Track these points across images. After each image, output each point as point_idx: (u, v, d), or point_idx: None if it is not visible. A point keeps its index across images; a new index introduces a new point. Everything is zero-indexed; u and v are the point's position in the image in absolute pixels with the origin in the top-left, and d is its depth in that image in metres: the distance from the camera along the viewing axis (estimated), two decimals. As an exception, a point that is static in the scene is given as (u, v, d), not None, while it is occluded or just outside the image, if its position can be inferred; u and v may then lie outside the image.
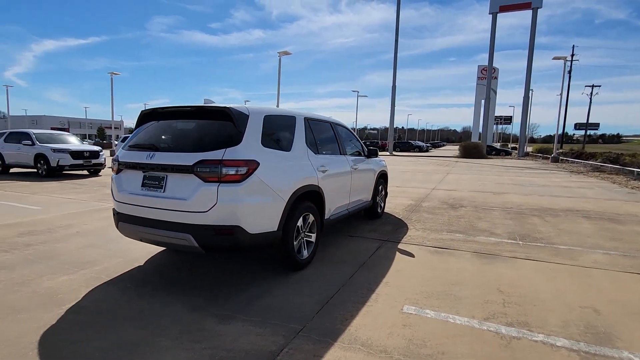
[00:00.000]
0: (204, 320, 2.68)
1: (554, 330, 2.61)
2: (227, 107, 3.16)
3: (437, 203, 7.92)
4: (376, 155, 5.79)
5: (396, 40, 36.91)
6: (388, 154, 37.82)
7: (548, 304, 3.03)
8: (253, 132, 3.21)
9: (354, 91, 40.54)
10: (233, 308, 2.88)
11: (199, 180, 2.96)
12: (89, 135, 72.73)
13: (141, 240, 3.39)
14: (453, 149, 41.87)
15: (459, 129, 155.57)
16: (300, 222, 3.64)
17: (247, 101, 55.92)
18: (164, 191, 3.12)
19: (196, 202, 2.94)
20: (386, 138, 39.82)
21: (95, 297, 3.06)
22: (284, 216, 3.34)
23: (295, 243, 3.58)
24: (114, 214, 3.55)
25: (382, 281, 3.48)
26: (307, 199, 3.82)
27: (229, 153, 2.98)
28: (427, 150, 50.44)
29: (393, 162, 23.46)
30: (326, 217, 4.23)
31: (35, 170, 12.41)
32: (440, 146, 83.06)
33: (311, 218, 3.85)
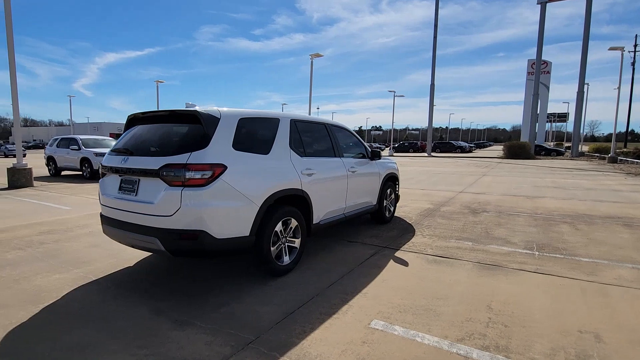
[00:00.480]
0: (161, 325, 2.67)
1: (535, 358, 2.27)
2: (196, 111, 3.15)
3: (458, 207, 7.44)
4: (379, 157, 5.53)
5: (435, 38, 35.61)
6: (426, 155, 36.55)
7: (541, 326, 2.66)
8: (223, 135, 3.16)
9: (390, 91, 39.74)
10: (195, 314, 2.85)
11: (164, 184, 2.96)
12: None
13: (121, 243, 3.47)
14: (499, 150, 39.42)
15: (508, 128, 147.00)
16: (279, 227, 3.54)
17: (284, 104, 56.83)
18: (136, 195, 3.17)
19: (162, 206, 2.95)
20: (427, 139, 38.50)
21: (73, 296, 3.18)
22: (256, 221, 3.26)
23: (273, 249, 3.48)
24: (100, 217, 3.68)
25: (361, 292, 3.28)
26: (289, 203, 3.71)
27: (194, 157, 2.96)
28: (470, 151, 48.08)
29: (427, 164, 22.60)
30: (315, 221, 4.09)
31: (81, 172, 13.49)
32: (486, 146, 78.84)
33: (294, 223, 3.73)
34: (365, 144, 5.57)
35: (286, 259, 3.68)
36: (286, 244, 3.70)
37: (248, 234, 3.21)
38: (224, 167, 3.03)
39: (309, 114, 24.92)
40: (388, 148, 42.16)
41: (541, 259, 4.17)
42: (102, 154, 13.05)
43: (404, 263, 4.07)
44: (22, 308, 2.92)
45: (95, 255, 4.28)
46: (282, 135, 3.79)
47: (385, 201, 5.90)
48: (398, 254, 4.40)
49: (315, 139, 4.46)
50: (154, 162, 3.03)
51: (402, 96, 40.54)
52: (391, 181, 6.17)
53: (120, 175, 3.35)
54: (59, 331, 2.58)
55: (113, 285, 3.42)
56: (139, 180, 3.16)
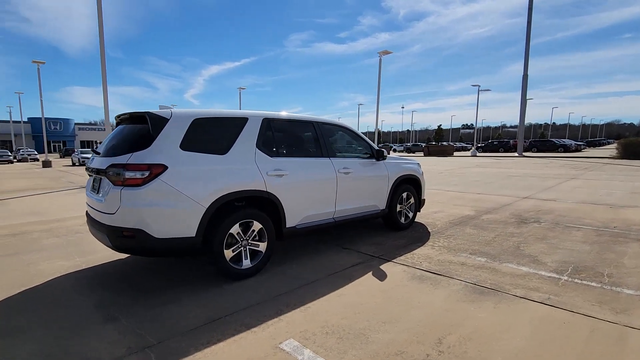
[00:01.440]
0: (92, 318, 2.78)
1: (443, 417, 1.75)
2: (146, 112, 3.22)
3: (505, 216, 6.37)
4: (383, 157, 5.01)
5: (529, 23, 31.45)
6: (516, 155, 32.53)
7: (488, 376, 2.06)
8: (169, 136, 3.17)
9: (473, 85, 36.15)
10: (130, 311, 2.91)
11: (110, 183, 3.10)
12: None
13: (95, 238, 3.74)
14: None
15: (636, 122, 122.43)
16: (236, 230, 3.43)
17: (361, 104, 56.34)
18: (97, 193, 3.39)
19: (107, 204, 3.09)
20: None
21: (54, 282, 3.53)
22: (203, 222, 3.20)
23: (228, 251, 3.39)
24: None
25: (304, 305, 2.97)
26: (250, 204, 3.58)
27: (135, 157, 3.03)
28: (577, 150, 41.20)
29: (510, 165, 20.08)
30: (289, 225, 3.87)
31: None
32: (602, 144, 66.88)
33: (257, 225, 3.58)
34: (373, 144, 5.10)
35: (246, 263, 3.55)
36: (248, 247, 3.57)
37: (194, 235, 3.17)
38: (164, 167, 3.05)
39: (377, 113, 24.24)
40: (473, 147, 38.56)
41: (565, 287, 3.28)
42: None
43: (382, 277, 3.59)
44: (5, 290, 3.35)
45: (101, 247, 4.72)
46: (248, 135, 3.67)
47: (399, 206, 5.34)
48: (385, 266, 3.91)
49: (296, 138, 4.23)
50: (105, 162, 3.19)
51: (488, 90, 36.59)
52: (409, 184, 5.56)
53: (90, 175, 3.63)
54: (3, 315, 2.88)
55: (89, 277, 3.71)
56: (101, 179, 3.37)
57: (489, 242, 4.73)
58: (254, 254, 3.63)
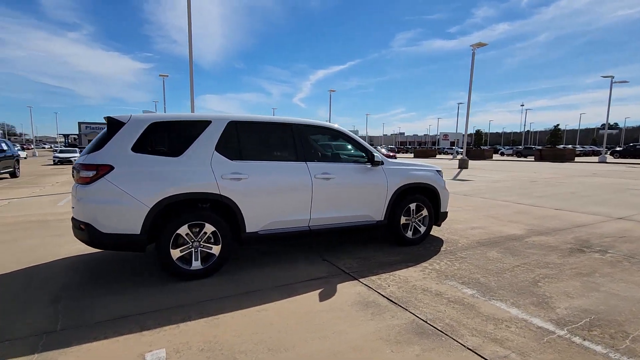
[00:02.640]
0: (40, 301, 3.15)
1: None
2: (107, 117, 3.50)
3: (561, 240, 5.07)
4: (381, 162, 4.45)
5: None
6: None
7: None
8: (123, 139, 3.39)
9: (604, 77, 29.39)
10: (73, 296, 3.20)
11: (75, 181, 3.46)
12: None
13: None
14: None
15: None
16: (185, 231, 3.48)
17: (460, 103, 51.78)
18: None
19: (72, 199, 3.46)
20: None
21: (52, 264, 4.11)
22: (147, 221, 3.33)
23: (175, 251, 3.46)
24: None
25: (215, 315, 2.83)
26: (199, 207, 3.59)
27: (89, 158, 3.32)
28: None
29: (635, 175, 16.01)
30: (249, 230, 3.76)
31: None
32: None
33: (209, 228, 3.57)
34: (370, 148, 4.60)
35: (196, 264, 3.57)
36: (199, 249, 3.59)
37: (139, 233, 3.33)
38: (110, 168, 3.27)
39: (467, 113, 21.96)
40: (606, 152, 31.57)
41: (548, 346, 2.42)
42: None
43: (327, 296, 3.20)
44: (5, 267, 4.01)
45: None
46: (207, 138, 3.68)
47: (404, 218, 4.70)
48: (346, 284, 3.48)
49: (266, 142, 4.08)
50: (76, 161, 3.58)
51: (625, 82, 29.43)
52: (421, 193, 4.86)
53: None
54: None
55: (87, 260, 4.22)
56: None
57: (501, 272, 3.82)
58: (206, 256, 3.63)
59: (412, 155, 51.08)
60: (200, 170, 3.56)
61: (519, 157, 45.83)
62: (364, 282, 3.53)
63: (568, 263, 4.10)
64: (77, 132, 75.15)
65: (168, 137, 3.62)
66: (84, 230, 3.31)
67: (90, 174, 3.25)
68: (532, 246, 4.78)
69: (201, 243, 3.59)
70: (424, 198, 4.83)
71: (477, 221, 6.35)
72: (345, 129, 4.61)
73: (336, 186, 4.20)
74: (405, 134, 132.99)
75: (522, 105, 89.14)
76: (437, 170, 5.07)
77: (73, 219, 3.48)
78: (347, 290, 3.35)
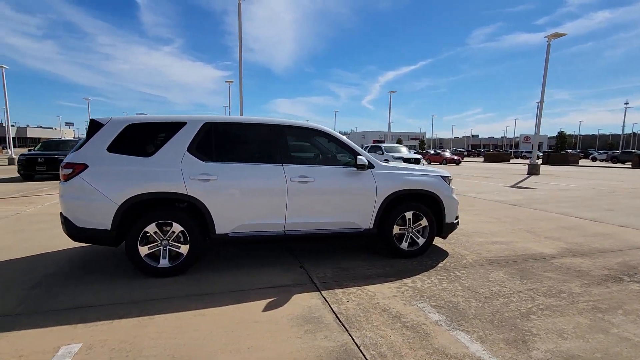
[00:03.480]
0: (21, 285, 3.48)
1: None
2: (91, 119, 3.74)
3: (600, 264, 4.19)
4: (371, 166, 4.10)
5: None
6: None
7: None
8: (100, 139, 3.59)
9: None
10: (51, 284, 3.48)
11: None
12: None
13: None
14: None
15: None
16: (153, 229, 3.57)
17: (539, 102, 46.27)
18: None
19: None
20: None
21: (52, 255, 4.55)
22: (117, 218, 3.48)
23: (143, 248, 3.57)
24: None
25: (150, 316, 2.83)
26: (168, 206, 3.66)
27: (69, 157, 3.58)
28: None
29: None
30: (219, 232, 3.73)
31: None
32: None
33: (177, 227, 3.63)
34: (360, 150, 4.27)
35: (164, 262, 3.64)
36: (168, 247, 3.66)
37: (109, 228, 3.50)
38: (85, 167, 3.49)
39: (539, 113, 19.61)
40: None
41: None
42: (399, 158, 17.00)
43: (273, 307, 3.01)
44: (7, 253, 4.53)
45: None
46: (180, 140, 3.73)
47: (398, 228, 4.28)
48: (304, 295, 3.25)
49: (242, 143, 4.00)
50: None
51: None
52: (421, 201, 4.38)
53: None
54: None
55: (83, 253, 4.59)
56: None
57: (492, 297, 3.24)
58: (175, 255, 3.69)
59: (482, 159, 47.32)
60: (170, 171, 3.62)
61: (614, 162, 39.72)
62: (325, 295, 3.26)
63: (589, 293, 3.34)
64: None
65: (143, 138, 3.75)
66: (63, 224, 3.58)
67: (68, 171, 3.51)
68: (555, 269, 4.01)
69: (170, 242, 3.66)
70: (422, 206, 4.34)
71: (505, 235, 5.56)
72: (330, 129, 4.35)
73: (315, 190, 3.97)
74: (480, 136, 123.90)
75: (627, 103, 76.05)
76: (442, 176, 4.52)
77: (60, 213, 3.80)
78: (300, 302, 3.12)
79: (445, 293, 3.33)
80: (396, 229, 4.29)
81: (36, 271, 3.82)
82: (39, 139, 76.02)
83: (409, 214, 4.30)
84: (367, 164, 4.06)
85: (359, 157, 4.03)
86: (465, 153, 66.73)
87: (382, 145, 18.92)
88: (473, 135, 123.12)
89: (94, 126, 3.67)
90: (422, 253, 4.44)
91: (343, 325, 2.72)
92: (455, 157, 34.01)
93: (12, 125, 76.58)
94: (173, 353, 2.33)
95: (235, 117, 4.05)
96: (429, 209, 4.38)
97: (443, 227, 4.49)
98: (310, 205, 3.98)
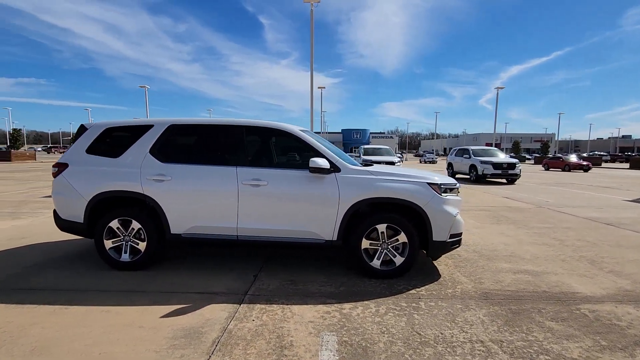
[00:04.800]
0: None
1: None
2: (81, 124, 4.21)
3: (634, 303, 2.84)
4: (331, 169, 3.60)
5: None
6: None
7: None
8: (82, 142, 4.01)
9: None
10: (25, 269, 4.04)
11: None
12: (506, 148, 76.63)
13: None
14: None
15: None
16: (116, 225, 3.83)
17: None
18: None
19: (57, 190, 4.35)
20: None
21: (45, 245, 5.26)
22: (87, 213, 3.84)
23: (107, 242, 3.85)
24: None
25: (70, 305, 3.01)
26: (128, 204, 3.86)
27: (60, 157, 4.10)
28: None
29: None
30: (173, 232, 3.79)
31: (469, 176, 16.17)
32: None
33: (136, 225, 3.81)
34: (329, 151, 3.79)
35: (125, 257, 3.86)
36: (129, 243, 3.87)
37: (82, 222, 3.89)
38: (66, 166, 3.94)
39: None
40: None
41: None
42: (487, 162, 14.97)
43: (173, 315, 2.87)
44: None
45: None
46: (145, 141, 3.91)
47: (368, 242, 3.65)
48: (217, 306, 3.02)
49: (200, 144, 3.96)
50: None
51: None
52: (400, 213, 3.67)
53: None
54: None
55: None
56: None
57: (426, 343, 2.48)
58: (135, 250, 3.88)
59: (628, 165, 37.92)
60: (130, 171, 3.84)
61: None
62: (240, 309, 2.98)
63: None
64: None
65: (116, 140, 4.06)
66: (54, 215, 4.12)
67: (55, 170, 4.03)
68: (572, 318, 2.86)
69: (130, 238, 3.87)
70: (400, 219, 3.63)
71: (546, 263, 4.26)
72: (298, 128, 3.98)
73: (268, 194, 3.70)
74: (633, 137, 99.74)
75: None
76: (430, 183, 3.69)
77: (56, 206, 4.39)
78: (205, 313, 2.91)
79: (376, 328, 2.68)
80: (366, 243, 3.68)
81: (47, 254, 4.49)
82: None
83: (382, 227, 3.64)
84: (323, 167, 3.58)
85: (312, 159, 3.58)
86: (608, 157, 54.50)
87: (471, 148, 16.69)
88: (623, 136, 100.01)
89: (81, 130, 4.14)
90: (401, 274, 3.71)
91: (214, 346, 2.42)
92: (584, 163, 28.04)
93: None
94: (37, 345, 2.41)
95: (199, 119, 4.07)
96: (409, 223, 3.64)
97: (430, 245, 3.66)
98: (264, 211, 3.72)
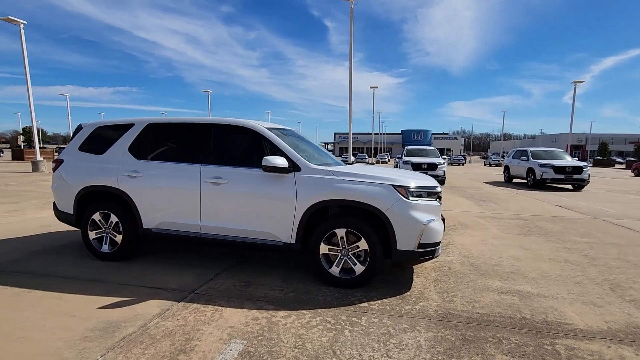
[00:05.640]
0: None
1: None
2: (79, 124, 4.56)
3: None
4: (290, 168, 3.42)
5: None
6: None
7: None
8: (77, 140, 4.35)
9: None
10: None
11: None
12: (592, 150, 67.30)
13: None
14: None
15: None
16: (98, 217, 4.09)
17: None
18: None
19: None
20: None
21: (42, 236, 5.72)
22: (75, 205, 4.16)
23: (91, 233, 4.13)
24: None
25: (33, 290, 3.27)
26: (107, 198, 4.08)
27: (60, 154, 4.49)
28: None
29: None
30: (145, 226, 3.94)
31: (525, 181, 14.68)
32: None
33: (114, 218, 4.03)
34: (289, 150, 3.62)
35: (105, 247, 4.10)
36: (109, 235, 4.11)
37: (72, 213, 4.22)
38: (61, 161, 4.31)
39: None
40: None
41: None
42: (547, 165, 13.29)
43: (108, 307, 2.95)
44: None
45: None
46: (125, 139, 4.11)
47: (326, 247, 3.41)
48: (156, 302, 3.04)
49: (173, 142, 4.03)
50: None
51: None
52: (361, 217, 3.36)
53: None
54: None
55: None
56: None
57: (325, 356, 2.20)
58: (114, 242, 4.10)
59: None
60: (110, 167, 4.06)
61: None
62: (174, 307, 2.96)
63: None
64: (333, 141, 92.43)
65: (103, 139, 4.33)
66: (54, 207, 4.53)
67: (54, 165, 4.43)
68: (538, 355, 2.34)
69: (110, 230, 4.10)
70: (360, 223, 3.32)
71: (546, 285, 3.60)
72: (264, 125, 3.86)
73: (228, 193, 3.65)
74: None
75: None
76: (394, 185, 3.32)
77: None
78: (140, 308, 2.93)
79: (292, 340, 2.46)
80: (324, 249, 3.44)
81: (55, 241, 4.96)
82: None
83: (341, 232, 3.37)
84: (277, 165, 3.41)
85: (265, 157, 3.43)
86: None
87: (530, 149, 14.88)
88: None
89: (77, 129, 4.50)
90: (361, 284, 3.40)
91: (120, 342, 2.42)
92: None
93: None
94: (-24, 324, 2.64)
95: (176, 117, 4.17)
96: (370, 228, 3.31)
97: (394, 254, 3.29)
98: (224, 209, 3.68)
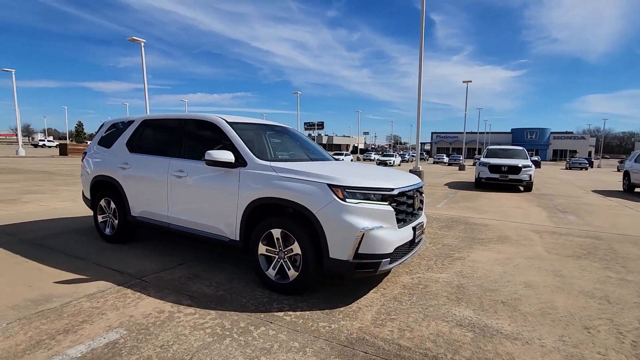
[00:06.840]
0: None
1: None
2: (103, 122, 5.20)
3: None
4: (234, 163, 3.29)
5: None
6: None
7: None
8: (98, 135, 4.99)
9: None
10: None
11: None
12: None
13: None
14: None
15: None
16: (103, 203, 4.63)
17: None
18: None
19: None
20: None
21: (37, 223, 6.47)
22: (90, 191, 4.79)
23: (99, 217, 4.70)
24: None
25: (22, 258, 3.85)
26: (108, 187, 4.57)
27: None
28: None
29: None
30: (132, 214, 4.30)
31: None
32: None
33: (112, 205, 4.51)
34: (241, 145, 3.48)
35: (108, 231, 4.62)
36: (109, 219, 4.61)
37: (89, 198, 4.88)
38: (85, 154, 5.00)
39: None
40: None
41: None
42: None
43: (67, 283, 3.28)
44: None
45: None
46: (126, 135, 4.55)
47: (264, 247, 3.20)
48: (101, 283, 3.28)
49: (158, 137, 4.29)
50: None
51: None
52: (294, 217, 3.06)
53: None
54: None
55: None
56: None
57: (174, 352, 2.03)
58: (113, 226, 4.58)
59: None
60: (112, 159, 4.55)
61: None
62: (108, 291, 3.14)
63: None
64: (430, 141, 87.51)
65: (112, 134, 4.86)
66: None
67: (82, 157, 5.16)
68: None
69: (110, 215, 4.60)
70: (292, 225, 3.02)
71: (537, 321, 2.71)
72: (228, 119, 3.79)
73: (187, 186, 3.73)
74: None
75: None
76: (330, 185, 2.91)
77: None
78: (82, 287, 3.18)
79: (168, 337, 2.37)
80: (262, 249, 3.24)
81: (84, 224, 5.79)
82: (339, 145, 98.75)
83: (276, 233, 3.13)
84: (218, 159, 3.31)
85: (208, 152, 3.36)
86: None
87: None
88: None
89: (100, 127, 5.16)
90: (296, 291, 3.10)
91: (35, 314, 2.67)
92: None
93: (325, 135, 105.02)
94: (-37, 283, 3.23)
95: (165, 114, 4.43)
96: (303, 231, 2.99)
97: (325, 262, 2.91)
98: (184, 202, 3.78)
